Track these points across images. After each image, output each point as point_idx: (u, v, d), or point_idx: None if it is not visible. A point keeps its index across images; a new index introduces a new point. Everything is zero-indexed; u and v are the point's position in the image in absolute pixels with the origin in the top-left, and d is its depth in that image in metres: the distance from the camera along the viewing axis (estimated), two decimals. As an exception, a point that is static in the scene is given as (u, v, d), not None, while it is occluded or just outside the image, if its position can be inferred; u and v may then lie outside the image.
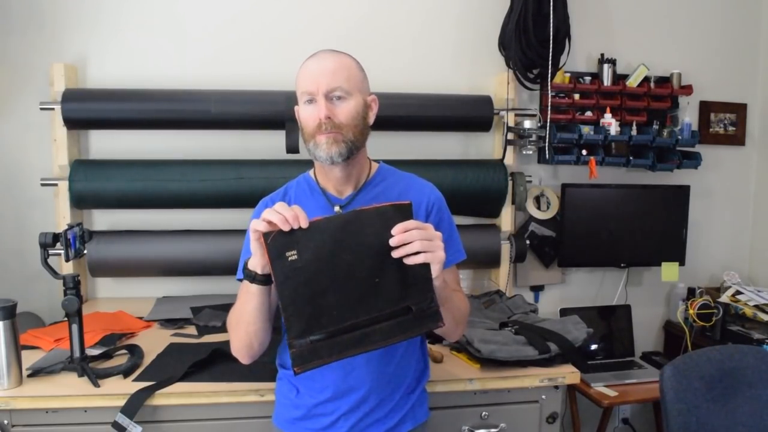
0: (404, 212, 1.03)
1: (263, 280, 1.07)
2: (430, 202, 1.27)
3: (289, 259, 0.99)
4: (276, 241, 0.99)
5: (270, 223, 1.00)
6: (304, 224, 0.99)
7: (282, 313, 1.01)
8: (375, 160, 1.33)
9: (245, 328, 1.15)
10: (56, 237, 1.60)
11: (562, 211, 2.49)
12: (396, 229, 1.00)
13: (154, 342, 1.75)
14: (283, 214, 0.98)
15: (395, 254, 1.00)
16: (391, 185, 1.28)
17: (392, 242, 1.00)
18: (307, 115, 1.18)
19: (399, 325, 1.04)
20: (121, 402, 1.39)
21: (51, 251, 1.63)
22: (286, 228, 0.99)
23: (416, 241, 1.00)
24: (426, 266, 1.02)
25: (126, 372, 1.51)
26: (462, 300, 1.26)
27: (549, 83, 2.28)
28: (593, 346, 2.49)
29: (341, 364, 1.19)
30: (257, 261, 1.05)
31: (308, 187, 1.29)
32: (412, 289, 1.03)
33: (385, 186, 1.28)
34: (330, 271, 1.01)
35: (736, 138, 2.73)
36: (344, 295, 1.02)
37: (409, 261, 1.00)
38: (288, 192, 1.30)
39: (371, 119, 1.24)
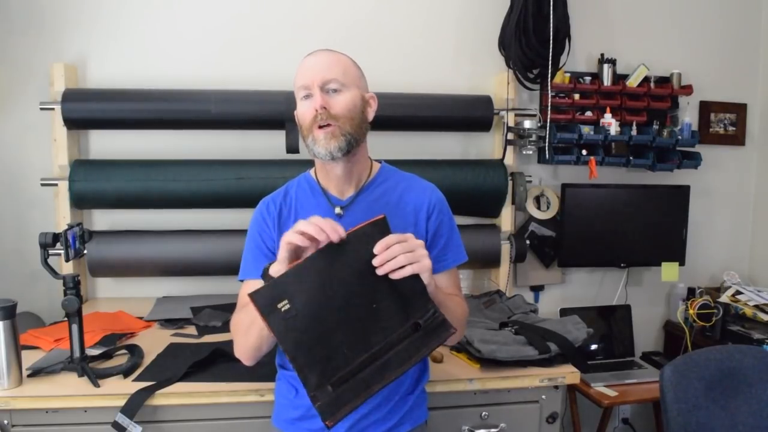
0: (381, 228, 1.00)
1: None
2: (432, 203, 1.27)
3: (282, 310, 0.96)
4: (263, 296, 0.96)
5: (304, 234, 0.97)
6: (343, 234, 0.97)
7: (292, 365, 0.98)
8: (377, 160, 1.33)
9: (257, 334, 1.11)
10: (56, 237, 1.60)
11: (562, 211, 2.49)
12: (377, 248, 0.98)
13: (154, 342, 1.75)
14: (320, 225, 0.96)
15: (380, 271, 0.98)
16: (392, 186, 1.28)
17: (375, 262, 0.98)
18: (303, 110, 1.18)
19: (413, 345, 1.01)
20: (121, 402, 1.39)
21: (51, 251, 1.63)
22: (322, 238, 0.96)
23: (399, 255, 0.98)
24: (417, 278, 1.00)
25: (126, 372, 1.51)
26: (459, 304, 1.25)
27: (549, 83, 2.27)
28: (593, 346, 2.49)
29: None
30: (281, 267, 1.01)
31: (309, 187, 1.28)
32: (410, 304, 1.01)
33: (386, 187, 1.27)
34: (327, 310, 0.98)
35: (736, 138, 2.73)
36: (348, 330, 0.99)
37: (395, 276, 0.99)
38: (288, 192, 1.29)
39: (370, 115, 1.24)
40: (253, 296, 0.97)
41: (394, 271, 0.99)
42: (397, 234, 1.01)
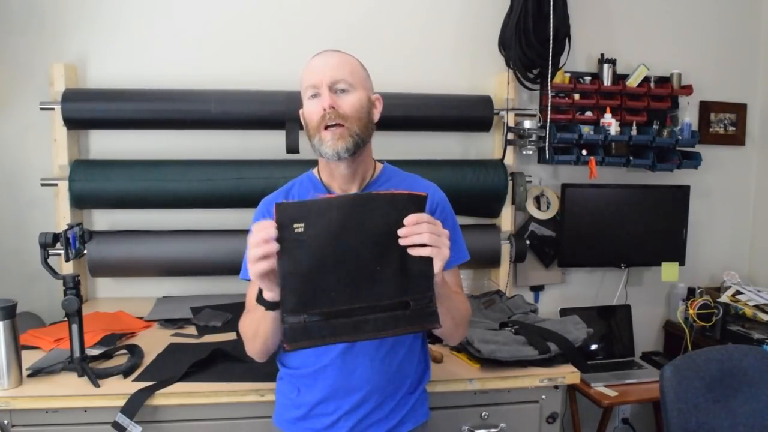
0: (418, 203, 1.01)
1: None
2: (434, 202, 1.27)
3: (296, 230, 0.97)
4: (287, 210, 0.98)
5: (263, 258, 0.96)
6: (273, 233, 0.97)
7: (279, 283, 0.99)
8: (379, 160, 1.33)
9: (263, 341, 1.15)
10: (56, 237, 1.60)
11: (562, 211, 2.49)
12: (409, 219, 0.98)
13: (154, 342, 1.75)
14: (259, 239, 0.96)
15: (402, 241, 0.98)
16: (395, 185, 1.28)
17: (401, 231, 0.98)
18: (311, 109, 1.18)
19: (394, 319, 1.01)
20: (121, 402, 1.39)
21: (51, 251, 1.63)
22: (272, 249, 0.96)
23: (425, 234, 0.98)
24: (428, 262, 1.00)
25: (126, 372, 1.51)
26: (463, 302, 1.25)
27: (549, 83, 2.27)
28: (593, 346, 2.49)
29: (343, 364, 1.20)
30: (270, 295, 1.03)
31: (312, 186, 1.28)
32: (411, 283, 1.01)
33: (389, 186, 1.27)
34: (332, 250, 0.99)
35: (736, 138, 2.73)
36: (343, 277, 1.00)
37: (413, 252, 0.98)
38: (290, 191, 1.30)
39: (376, 117, 1.25)
40: (279, 206, 0.97)
41: (413, 246, 0.98)
42: (430, 216, 1.01)
